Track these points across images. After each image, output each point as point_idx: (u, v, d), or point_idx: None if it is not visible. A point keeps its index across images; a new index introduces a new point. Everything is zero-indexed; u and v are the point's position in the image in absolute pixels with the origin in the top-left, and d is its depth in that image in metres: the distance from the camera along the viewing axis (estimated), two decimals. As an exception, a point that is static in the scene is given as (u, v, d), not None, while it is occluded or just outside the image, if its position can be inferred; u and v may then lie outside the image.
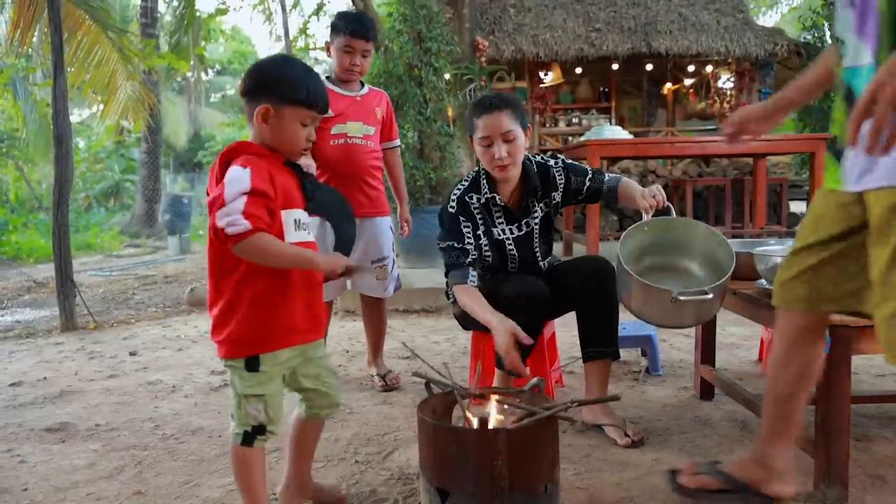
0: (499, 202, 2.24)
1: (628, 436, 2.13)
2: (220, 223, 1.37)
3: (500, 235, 2.27)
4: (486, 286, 2.18)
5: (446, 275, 2.24)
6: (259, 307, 1.48)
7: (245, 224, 1.35)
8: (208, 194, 1.55)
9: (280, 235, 1.47)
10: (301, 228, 1.54)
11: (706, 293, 1.85)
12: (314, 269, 1.51)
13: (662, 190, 2.12)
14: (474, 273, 2.16)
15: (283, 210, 1.49)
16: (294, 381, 1.61)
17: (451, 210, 2.23)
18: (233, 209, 1.36)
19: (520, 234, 2.29)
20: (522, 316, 2.05)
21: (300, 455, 1.72)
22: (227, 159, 1.48)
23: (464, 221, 2.21)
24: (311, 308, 1.57)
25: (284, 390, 1.60)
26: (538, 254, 2.34)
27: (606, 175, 2.33)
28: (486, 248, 2.26)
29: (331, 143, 2.66)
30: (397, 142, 3.00)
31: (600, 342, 2.25)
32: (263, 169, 1.45)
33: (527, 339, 1.91)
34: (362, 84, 2.84)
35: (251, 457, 1.54)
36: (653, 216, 2.08)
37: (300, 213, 1.55)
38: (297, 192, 1.56)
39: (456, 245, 2.19)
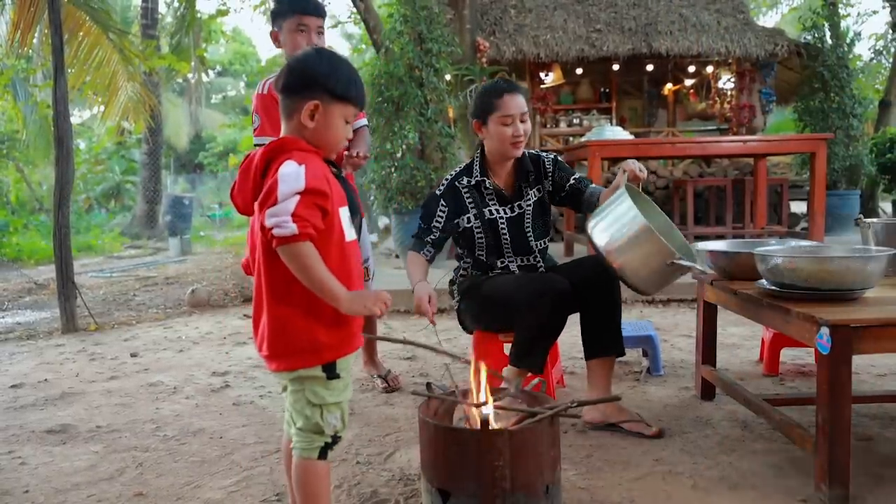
0: (489, 185, 2.39)
1: (650, 426, 2.18)
2: (269, 222, 1.31)
3: (491, 215, 2.39)
4: (507, 283, 2.27)
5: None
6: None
7: (291, 227, 1.29)
8: (233, 196, 1.48)
9: (340, 234, 1.43)
10: (347, 227, 1.47)
11: (702, 270, 1.93)
12: (334, 305, 1.36)
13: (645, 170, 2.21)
14: (430, 250, 2.39)
15: (341, 207, 1.44)
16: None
17: (437, 193, 2.44)
18: (282, 209, 1.30)
19: (512, 215, 2.41)
20: (545, 314, 2.12)
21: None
22: (270, 156, 1.39)
23: (442, 206, 2.39)
24: None
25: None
26: (530, 236, 2.41)
27: (592, 184, 2.44)
28: (479, 229, 2.38)
29: None
30: (363, 121, 2.79)
31: (605, 339, 2.27)
32: (318, 166, 1.39)
33: (429, 313, 2.13)
34: None
35: (324, 470, 1.47)
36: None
37: (345, 211, 1.47)
38: (340, 188, 1.49)
39: (423, 225, 2.41)
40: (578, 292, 2.23)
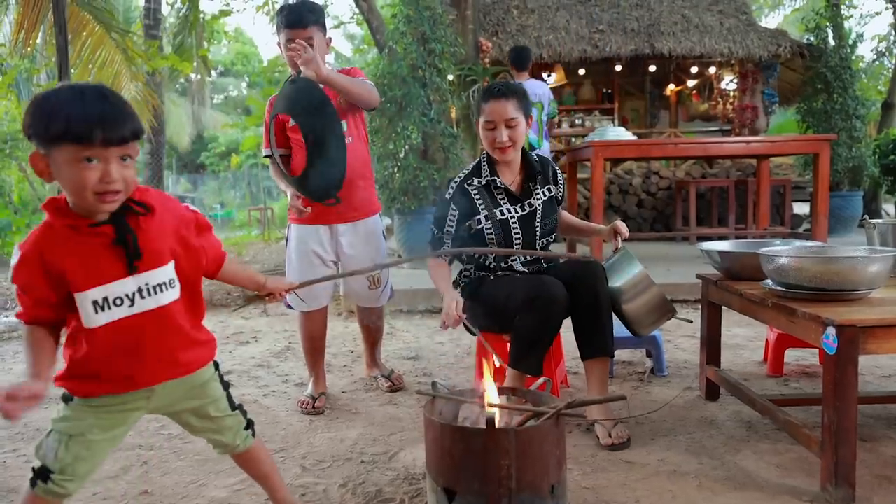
0: (500, 184, 2.38)
1: (610, 437, 2.14)
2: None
3: (503, 215, 2.37)
4: (505, 286, 2.26)
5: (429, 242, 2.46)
6: None
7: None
8: None
9: (77, 321, 1.29)
10: (112, 306, 1.28)
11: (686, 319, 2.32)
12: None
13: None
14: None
15: (79, 293, 1.25)
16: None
17: (447, 196, 2.40)
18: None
19: (523, 213, 2.40)
20: (538, 318, 2.11)
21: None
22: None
23: (452, 209, 2.36)
24: None
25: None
26: (538, 234, 2.40)
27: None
28: (490, 230, 2.35)
29: None
30: (361, 78, 2.60)
31: (593, 341, 2.24)
32: (37, 248, 1.24)
33: (458, 315, 2.12)
34: None
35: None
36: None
37: (111, 289, 1.28)
38: (109, 260, 1.27)
39: (436, 231, 2.41)
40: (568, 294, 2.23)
